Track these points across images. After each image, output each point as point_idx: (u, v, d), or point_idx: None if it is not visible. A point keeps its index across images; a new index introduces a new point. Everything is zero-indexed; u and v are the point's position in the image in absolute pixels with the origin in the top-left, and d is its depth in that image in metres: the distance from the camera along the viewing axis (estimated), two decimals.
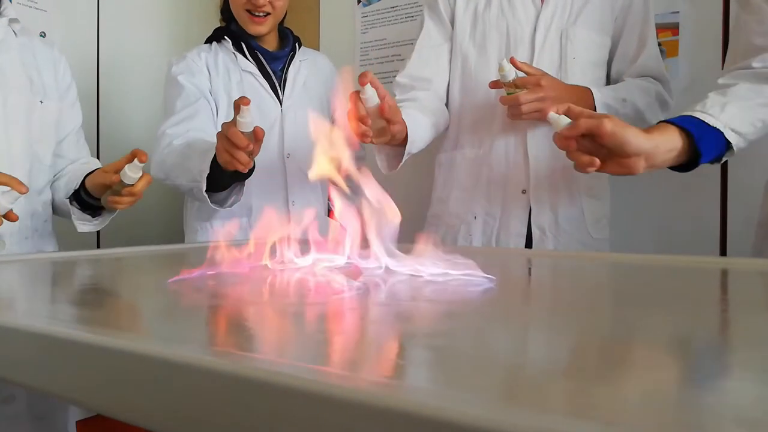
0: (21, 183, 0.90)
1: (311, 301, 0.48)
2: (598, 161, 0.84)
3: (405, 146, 1.08)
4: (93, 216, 1.16)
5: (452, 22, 1.27)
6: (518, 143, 1.20)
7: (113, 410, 0.31)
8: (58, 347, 0.34)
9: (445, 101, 1.29)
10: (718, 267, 0.72)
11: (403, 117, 1.03)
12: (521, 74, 1.09)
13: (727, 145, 0.89)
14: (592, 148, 0.85)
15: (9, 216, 0.93)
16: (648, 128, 0.87)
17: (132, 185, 0.99)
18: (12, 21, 1.12)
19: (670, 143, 0.86)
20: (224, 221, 1.33)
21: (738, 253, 1.35)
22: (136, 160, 0.96)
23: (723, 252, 1.41)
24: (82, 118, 1.29)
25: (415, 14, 1.96)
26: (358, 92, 0.90)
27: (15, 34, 1.13)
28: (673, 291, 0.56)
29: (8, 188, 0.89)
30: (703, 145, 0.86)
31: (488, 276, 0.55)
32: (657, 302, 0.48)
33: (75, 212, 1.15)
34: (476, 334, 0.37)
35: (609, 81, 1.26)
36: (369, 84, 0.89)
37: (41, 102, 1.14)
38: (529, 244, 1.19)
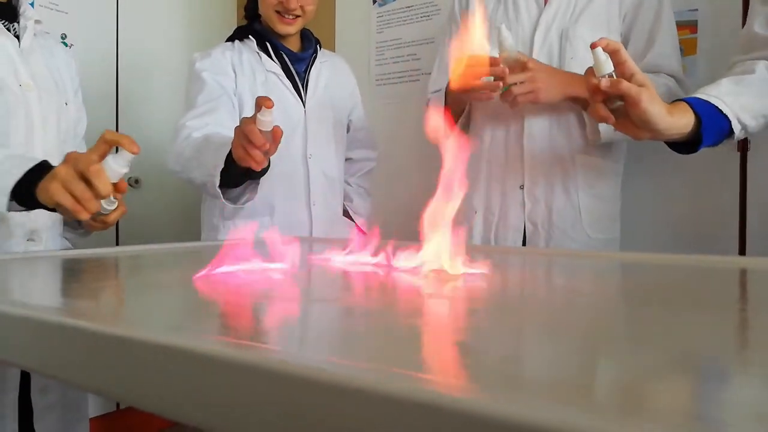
0: (133, 142, 0.79)
1: (327, 298, 0.49)
2: (613, 119, 0.85)
3: None
4: (80, 225, 1.14)
5: None
6: (516, 138, 1.22)
7: (141, 402, 0.32)
8: (89, 341, 0.35)
9: None
10: (737, 267, 0.71)
11: None
12: (518, 51, 1.10)
13: (728, 134, 0.90)
14: (614, 98, 0.84)
15: (119, 186, 0.83)
16: (670, 106, 0.86)
17: (106, 215, 1.00)
18: (36, 22, 1.13)
19: (683, 128, 0.87)
20: (247, 220, 1.34)
21: (758, 252, 1.34)
22: (112, 195, 0.96)
23: (742, 251, 1.40)
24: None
25: (430, 14, 1.96)
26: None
27: (34, 35, 1.14)
28: (689, 291, 0.56)
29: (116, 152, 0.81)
30: (706, 131, 0.88)
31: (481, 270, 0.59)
32: (673, 302, 0.49)
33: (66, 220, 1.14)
34: (495, 331, 0.37)
35: None
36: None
37: (66, 104, 1.16)
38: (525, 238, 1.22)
